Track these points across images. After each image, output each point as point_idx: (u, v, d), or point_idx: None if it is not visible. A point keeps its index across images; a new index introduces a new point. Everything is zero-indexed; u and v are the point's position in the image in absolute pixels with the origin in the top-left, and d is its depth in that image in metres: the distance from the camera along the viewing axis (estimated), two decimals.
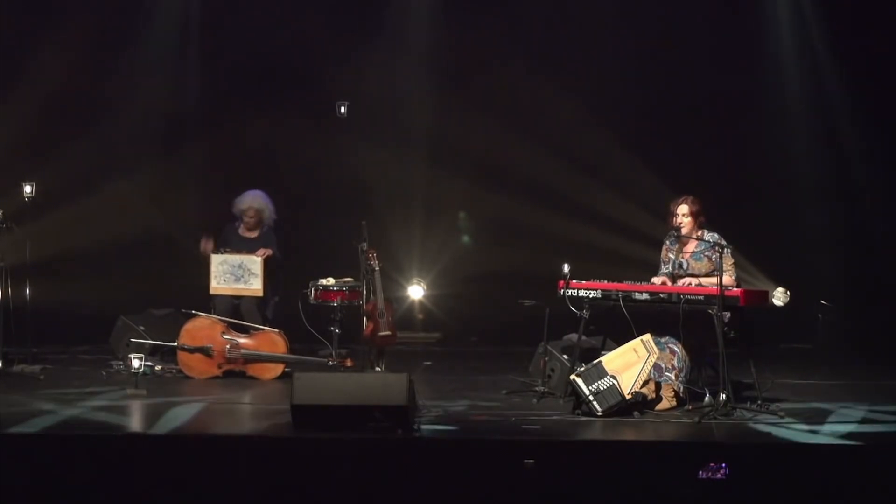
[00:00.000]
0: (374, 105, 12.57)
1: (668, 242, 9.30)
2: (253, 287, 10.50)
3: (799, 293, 10.73)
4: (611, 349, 8.90)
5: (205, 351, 10.17)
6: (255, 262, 10.50)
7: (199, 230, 11.44)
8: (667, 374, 8.79)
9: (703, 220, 9.19)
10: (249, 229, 10.81)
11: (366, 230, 10.31)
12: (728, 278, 8.94)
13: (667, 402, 8.79)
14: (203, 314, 10.34)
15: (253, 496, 7.30)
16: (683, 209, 9.17)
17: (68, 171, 12.10)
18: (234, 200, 10.85)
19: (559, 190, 12.51)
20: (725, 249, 8.97)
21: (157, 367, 10.36)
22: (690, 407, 8.70)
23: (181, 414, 8.59)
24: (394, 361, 10.51)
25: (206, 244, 10.61)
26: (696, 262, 9.15)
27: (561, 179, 12.49)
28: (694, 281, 9.01)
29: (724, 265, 8.91)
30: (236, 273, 10.50)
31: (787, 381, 10.08)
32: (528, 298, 10.12)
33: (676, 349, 8.83)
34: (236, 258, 10.51)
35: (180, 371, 10.25)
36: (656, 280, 9.16)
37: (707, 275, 9.03)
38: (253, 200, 10.78)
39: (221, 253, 10.54)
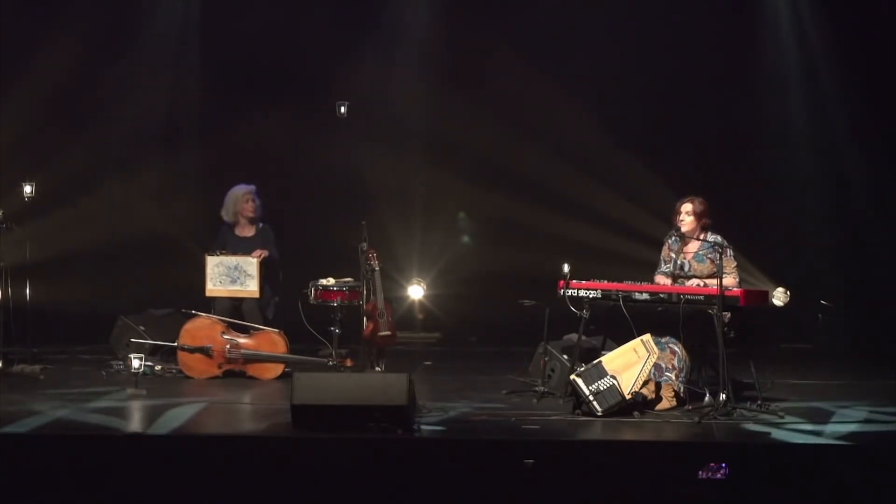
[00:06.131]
0: (374, 105, 12.57)
1: (669, 241, 9.30)
2: (249, 289, 10.49)
3: (799, 293, 10.73)
4: (611, 349, 8.89)
5: (205, 351, 10.17)
6: (250, 263, 10.49)
7: (198, 230, 11.48)
8: (667, 374, 8.79)
9: (707, 221, 9.18)
10: (251, 221, 10.80)
11: (366, 230, 10.31)
12: (731, 280, 8.95)
13: (667, 402, 8.79)
14: (203, 314, 10.34)
15: (253, 496, 7.30)
16: (687, 208, 9.17)
17: (68, 171, 12.11)
18: (224, 207, 10.81)
19: (559, 190, 12.51)
20: (727, 251, 8.98)
21: (157, 367, 10.35)
22: (690, 407, 8.70)
23: (181, 414, 8.59)
24: (394, 361, 10.51)
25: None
26: (699, 263, 9.15)
27: (561, 179, 12.50)
28: (699, 282, 9.00)
29: (726, 267, 8.92)
30: (232, 275, 10.49)
31: (787, 381, 10.08)
32: (528, 298, 10.12)
33: (676, 349, 8.83)
34: (232, 260, 10.51)
35: (180, 371, 10.25)
36: (659, 279, 9.17)
37: (709, 276, 9.02)
38: (247, 189, 10.79)
39: (217, 255, 10.53)
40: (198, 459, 7.48)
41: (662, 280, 9.19)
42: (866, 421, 8.53)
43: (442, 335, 12.86)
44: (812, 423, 8.40)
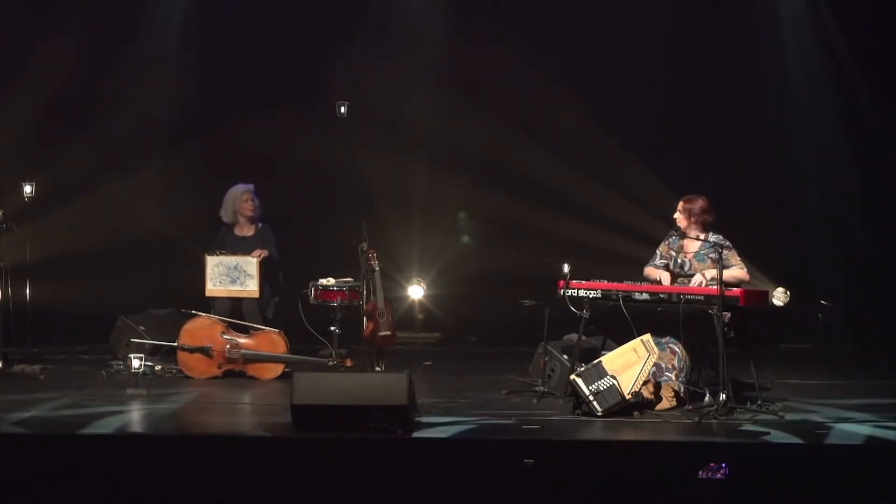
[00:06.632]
0: (374, 105, 12.56)
1: (670, 240, 9.31)
2: (249, 289, 10.49)
3: (799, 293, 10.73)
4: (611, 349, 8.89)
5: (205, 351, 10.17)
6: (250, 263, 10.49)
7: (198, 230, 11.48)
8: (667, 374, 8.79)
9: (706, 219, 9.18)
10: (251, 220, 10.80)
11: (366, 230, 10.31)
12: (740, 271, 8.95)
13: (667, 402, 8.79)
14: (203, 314, 10.34)
15: (253, 496, 7.30)
16: (680, 206, 9.23)
17: (68, 171, 12.11)
18: (223, 207, 10.82)
19: (559, 190, 12.51)
20: (727, 245, 8.98)
21: (157, 367, 10.36)
22: (690, 407, 8.70)
23: (181, 414, 8.58)
24: (394, 361, 10.51)
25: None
26: (700, 262, 9.15)
27: (561, 179, 12.49)
28: (701, 279, 8.99)
29: (731, 259, 8.95)
30: (232, 275, 10.49)
31: (787, 381, 10.08)
32: (528, 298, 10.12)
33: (676, 349, 8.83)
34: (232, 260, 10.51)
35: (180, 371, 10.26)
36: (648, 271, 9.17)
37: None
38: (245, 188, 10.79)
39: (217, 255, 10.53)
40: (198, 459, 7.48)
41: (652, 272, 9.19)
42: (866, 421, 8.52)
43: (442, 335, 12.86)
44: (812, 423, 8.39)
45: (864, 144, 12.68)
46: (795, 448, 7.77)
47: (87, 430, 7.97)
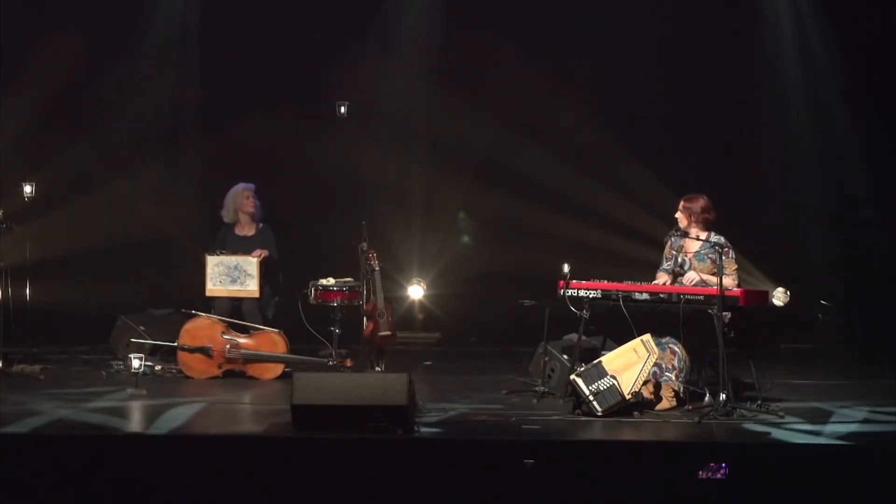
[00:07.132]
0: (374, 105, 12.57)
1: (671, 240, 9.31)
2: (249, 288, 10.49)
3: (799, 293, 10.72)
4: (611, 349, 8.89)
5: (205, 351, 10.17)
6: (250, 263, 10.49)
7: (198, 230, 11.48)
8: (667, 374, 8.79)
9: (707, 218, 9.16)
10: (252, 218, 10.81)
11: (366, 230, 10.31)
12: (729, 281, 8.93)
13: (667, 402, 8.79)
14: (203, 314, 10.34)
15: (253, 496, 7.30)
16: (680, 205, 9.22)
17: (68, 171, 12.11)
18: (224, 208, 10.82)
19: (559, 190, 12.51)
20: (728, 251, 8.97)
21: (157, 367, 10.36)
22: (690, 407, 8.70)
23: (181, 414, 8.59)
24: (394, 361, 10.51)
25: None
26: (700, 262, 9.14)
27: (561, 179, 12.50)
28: (695, 276, 8.99)
29: (726, 268, 8.91)
30: (232, 274, 10.49)
31: (787, 381, 10.08)
32: (528, 298, 10.12)
33: (676, 349, 8.83)
34: (232, 259, 10.51)
35: (180, 371, 10.26)
36: (660, 276, 9.16)
37: (709, 274, 9.01)
38: (246, 186, 10.81)
39: (217, 254, 10.53)
40: (198, 459, 7.48)
41: (663, 277, 9.19)
42: (866, 421, 8.53)
43: (442, 335, 12.87)
44: (812, 423, 8.39)
45: (864, 144, 12.68)
46: (795, 448, 7.77)
47: (87, 431, 7.97)
